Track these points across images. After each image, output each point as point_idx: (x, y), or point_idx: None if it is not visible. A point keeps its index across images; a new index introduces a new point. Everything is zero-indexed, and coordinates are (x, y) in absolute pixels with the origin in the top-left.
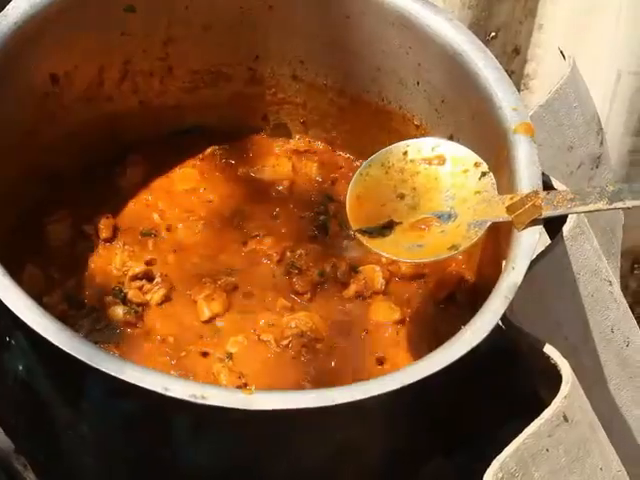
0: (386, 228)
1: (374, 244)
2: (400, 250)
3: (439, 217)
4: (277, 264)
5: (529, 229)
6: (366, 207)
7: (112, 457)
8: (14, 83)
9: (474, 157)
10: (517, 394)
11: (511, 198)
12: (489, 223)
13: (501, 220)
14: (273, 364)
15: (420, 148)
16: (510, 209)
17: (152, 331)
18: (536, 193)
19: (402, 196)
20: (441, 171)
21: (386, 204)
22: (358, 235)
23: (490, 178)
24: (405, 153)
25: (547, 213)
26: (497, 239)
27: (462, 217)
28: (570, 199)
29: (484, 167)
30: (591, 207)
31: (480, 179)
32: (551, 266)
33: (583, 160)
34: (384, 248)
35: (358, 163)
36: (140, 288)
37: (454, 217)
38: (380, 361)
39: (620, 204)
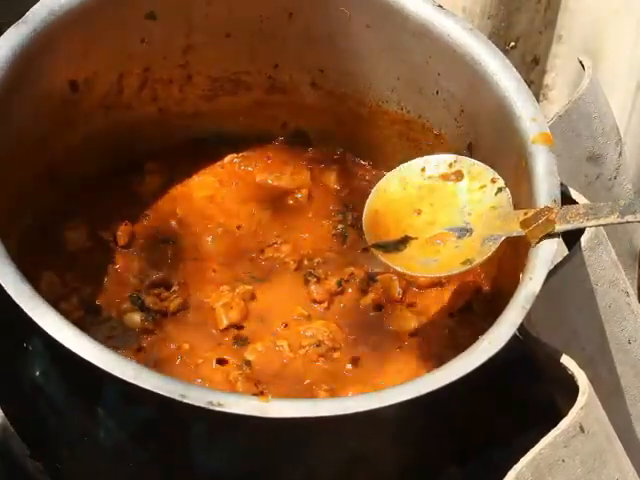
0: (402, 243)
1: (389, 259)
2: (415, 265)
3: (455, 232)
4: (295, 272)
5: (547, 240)
6: (383, 222)
7: (128, 463)
8: (33, 89)
9: (491, 173)
10: (534, 404)
11: (525, 213)
12: (503, 238)
13: (515, 235)
14: (290, 372)
15: (438, 164)
16: (524, 224)
17: (169, 338)
18: (549, 209)
19: (419, 212)
20: (458, 187)
21: (403, 220)
22: (374, 250)
23: (506, 194)
24: (423, 169)
25: (560, 228)
26: (515, 250)
27: (477, 232)
28: (583, 214)
29: (500, 183)
30: (602, 221)
31: (496, 194)
32: (569, 277)
33: (602, 171)
34: (399, 263)
35: (377, 172)
36: (158, 295)
37: (470, 232)
38: (397, 370)
39: (631, 217)
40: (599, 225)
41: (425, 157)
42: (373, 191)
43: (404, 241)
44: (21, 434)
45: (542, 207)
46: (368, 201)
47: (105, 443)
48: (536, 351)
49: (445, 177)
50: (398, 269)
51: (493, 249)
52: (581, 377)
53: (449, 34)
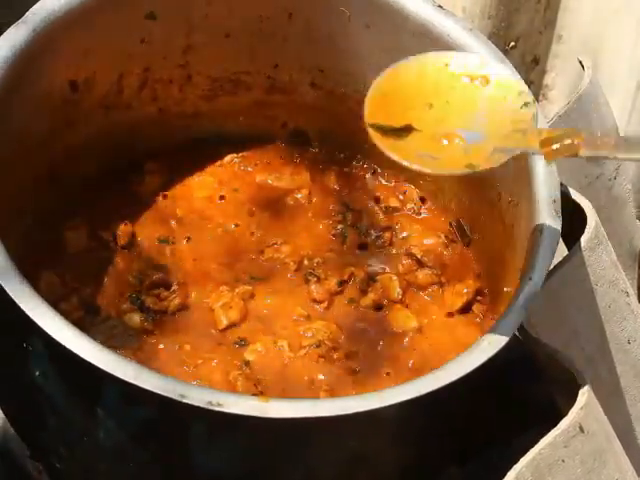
0: (403, 131)
1: (385, 143)
2: (412, 156)
3: (464, 135)
4: (295, 272)
5: (546, 242)
6: (390, 106)
7: (128, 463)
8: (33, 89)
9: (520, 86)
10: (534, 404)
11: (549, 132)
12: (517, 152)
13: (531, 151)
14: (290, 372)
15: (466, 63)
16: (544, 143)
17: (169, 338)
18: (577, 132)
19: (431, 106)
20: (481, 92)
21: (412, 109)
22: (370, 130)
23: (532, 109)
24: (447, 65)
25: (586, 153)
26: (515, 249)
27: (489, 140)
28: (614, 144)
29: (528, 97)
30: (636, 156)
31: (521, 108)
32: (568, 277)
33: (602, 171)
34: (394, 150)
35: (377, 173)
36: (157, 296)
37: (481, 139)
38: (397, 370)
39: None
40: (630, 159)
41: (452, 52)
42: (387, 70)
43: (406, 130)
44: (21, 434)
45: (568, 129)
46: (378, 79)
47: (105, 443)
48: (536, 351)
49: (470, 78)
50: (392, 156)
51: (502, 160)
52: (581, 377)
53: (449, 34)
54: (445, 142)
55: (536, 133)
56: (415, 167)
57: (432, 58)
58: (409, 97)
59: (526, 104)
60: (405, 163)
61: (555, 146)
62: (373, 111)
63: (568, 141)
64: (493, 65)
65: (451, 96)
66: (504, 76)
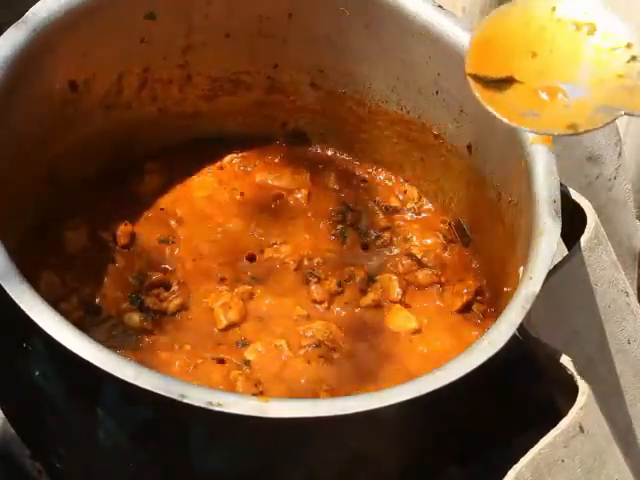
0: (505, 82)
1: (485, 96)
2: (512, 112)
3: (568, 89)
4: (294, 272)
5: (546, 242)
6: (491, 54)
7: (128, 463)
8: (33, 89)
9: (629, 36)
10: (533, 404)
11: None
12: (622, 112)
13: (637, 114)
14: (290, 372)
15: (572, 8)
16: None
17: (169, 338)
18: None
19: (534, 55)
20: (587, 41)
21: (514, 58)
22: (470, 80)
23: (639, 64)
24: (554, 9)
25: None
26: (515, 249)
27: (593, 96)
28: None
29: (636, 50)
30: None
31: (628, 62)
32: (568, 277)
33: (602, 171)
34: (495, 104)
35: (377, 173)
36: (157, 295)
37: (584, 94)
38: (396, 370)
39: None
40: None
41: None
42: (492, 14)
43: (508, 81)
44: (21, 434)
45: None
46: (483, 23)
47: (105, 443)
48: (536, 351)
49: (576, 25)
50: (492, 111)
51: (606, 121)
52: (581, 377)
53: (449, 34)
54: (546, 97)
55: None
56: (515, 125)
57: (539, 1)
58: (512, 44)
59: (634, 57)
60: (505, 121)
61: None
62: (474, 60)
63: None
64: (602, 12)
65: (555, 44)
66: (613, 25)
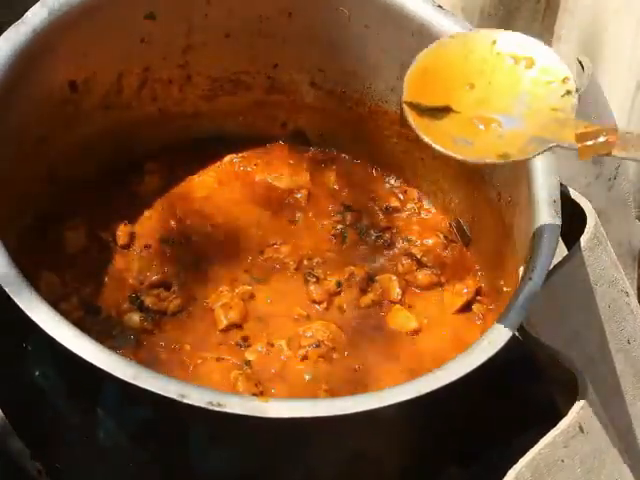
0: (440, 112)
1: (420, 123)
2: (446, 140)
3: (502, 120)
4: (294, 272)
5: (546, 242)
6: (429, 84)
7: (128, 463)
8: (33, 89)
9: (565, 71)
10: (533, 404)
11: (585, 127)
12: (553, 144)
13: (566, 146)
14: (290, 372)
15: (512, 42)
16: (580, 138)
17: (169, 339)
18: (613, 130)
19: (472, 86)
20: (525, 74)
21: (452, 89)
22: (406, 108)
23: (573, 98)
24: (494, 42)
25: (618, 154)
26: (515, 249)
27: (527, 128)
28: None
29: (571, 85)
30: None
31: (562, 97)
32: (568, 277)
33: (602, 171)
34: (428, 132)
35: (377, 173)
36: (157, 296)
37: (518, 125)
38: (396, 370)
39: None
40: None
41: (500, 30)
42: (431, 46)
43: (443, 111)
44: (21, 434)
45: (606, 126)
46: (421, 54)
47: (105, 443)
48: (536, 351)
49: (515, 59)
50: (425, 139)
51: (537, 152)
52: (581, 377)
53: (449, 34)
54: (481, 127)
55: (573, 126)
56: (447, 153)
57: (480, 35)
58: (451, 76)
59: (568, 92)
60: (437, 147)
61: (589, 142)
62: (412, 88)
63: (602, 139)
64: (541, 47)
65: (494, 77)
66: (550, 60)
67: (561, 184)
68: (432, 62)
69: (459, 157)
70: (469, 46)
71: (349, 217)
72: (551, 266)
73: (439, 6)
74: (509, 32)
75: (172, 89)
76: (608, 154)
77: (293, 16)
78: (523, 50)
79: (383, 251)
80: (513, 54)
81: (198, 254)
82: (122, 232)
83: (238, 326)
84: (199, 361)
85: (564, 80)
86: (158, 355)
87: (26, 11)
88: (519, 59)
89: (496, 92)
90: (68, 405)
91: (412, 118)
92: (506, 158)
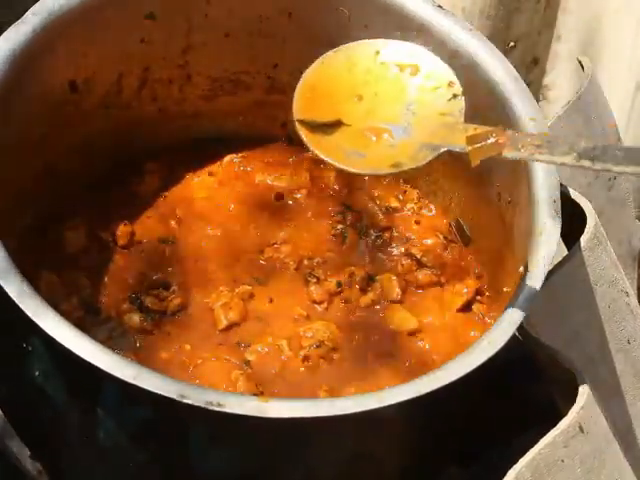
0: (331, 127)
1: (312, 139)
2: (339, 154)
3: (392, 130)
4: (294, 273)
5: (546, 242)
6: (318, 100)
7: (128, 463)
8: (33, 89)
9: (450, 76)
10: (533, 404)
11: (475, 129)
12: (443, 149)
13: (457, 150)
14: (290, 372)
15: (396, 51)
16: (470, 140)
17: (169, 339)
18: (501, 131)
19: (360, 98)
20: (410, 82)
21: (340, 103)
22: (298, 126)
23: (460, 102)
24: (377, 52)
25: (508, 154)
26: (515, 249)
27: (417, 136)
28: (537, 145)
29: (457, 89)
30: (557, 159)
31: (449, 100)
32: (568, 277)
33: None
34: (321, 147)
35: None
36: (157, 296)
37: (408, 134)
38: (396, 370)
39: (588, 163)
40: (551, 162)
41: (382, 40)
42: (316, 62)
43: (335, 125)
44: (21, 434)
45: (495, 127)
46: (308, 70)
47: (105, 443)
48: (536, 351)
49: (400, 67)
50: (318, 154)
51: (428, 158)
52: (581, 377)
53: (449, 34)
54: (373, 138)
55: (463, 129)
56: (340, 166)
57: (363, 46)
58: (338, 90)
59: (455, 96)
60: (329, 160)
61: (479, 145)
62: (301, 106)
63: (492, 140)
64: (424, 54)
65: (380, 87)
66: (435, 65)
67: (561, 184)
68: (319, 77)
69: (352, 170)
70: (353, 59)
71: (349, 217)
72: (551, 266)
73: (439, 6)
74: (392, 41)
75: (172, 89)
76: (499, 155)
77: (293, 16)
78: (407, 58)
79: (383, 251)
80: (397, 62)
81: (198, 254)
82: (122, 232)
83: (238, 326)
84: (199, 361)
85: (450, 84)
86: (158, 355)
87: (26, 11)
88: (404, 67)
89: (383, 102)
90: (68, 405)
91: (304, 135)
92: (398, 167)
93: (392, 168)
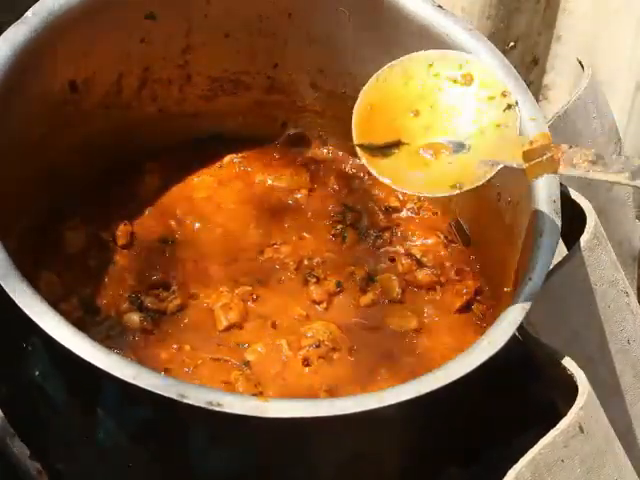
0: (390, 147)
1: (374, 165)
2: (401, 177)
3: (451, 145)
4: (294, 273)
5: (546, 242)
6: (376, 119)
7: (128, 463)
8: (33, 89)
9: (503, 85)
10: (533, 404)
11: (531, 143)
12: (501, 166)
13: (515, 166)
14: (290, 372)
15: (448, 62)
16: (527, 155)
17: (168, 339)
18: (557, 146)
19: (417, 113)
20: (465, 92)
21: (398, 119)
22: (359, 150)
23: (515, 112)
24: (431, 65)
25: (564, 171)
26: (515, 249)
27: (475, 151)
28: (591, 161)
29: (512, 99)
30: (611, 177)
31: (505, 111)
32: (568, 277)
33: None
34: (382, 170)
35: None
36: (157, 296)
37: (467, 149)
38: (396, 370)
39: None
40: (605, 180)
41: (434, 51)
42: (371, 80)
43: (394, 146)
44: (21, 434)
45: (548, 141)
46: (364, 90)
47: (105, 443)
48: (536, 351)
49: (453, 79)
50: (380, 178)
51: (488, 176)
52: (581, 377)
53: (449, 34)
54: (431, 157)
55: (519, 143)
56: (402, 190)
57: (416, 59)
58: (394, 106)
59: (509, 106)
60: (393, 186)
61: (535, 161)
62: (361, 130)
63: (548, 155)
64: (477, 63)
65: (435, 100)
66: (488, 74)
67: (561, 184)
68: (375, 96)
69: (414, 193)
70: (408, 72)
71: (349, 217)
72: (551, 266)
73: (439, 6)
74: (443, 51)
75: (172, 89)
76: (554, 172)
77: (293, 16)
78: (460, 69)
79: (383, 251)
80: (451, 74)
81: (198, 254)
82: (122, 232)
83: (238, 326)
84: (199, 361)
85: (503, 93)
86: (158, 355)
87: (26, 11)
88: (457, 77)
89: (439, 115)
90: (68, 405)
91: (366, 160)
92: (459, 189)
93: (452, 189)
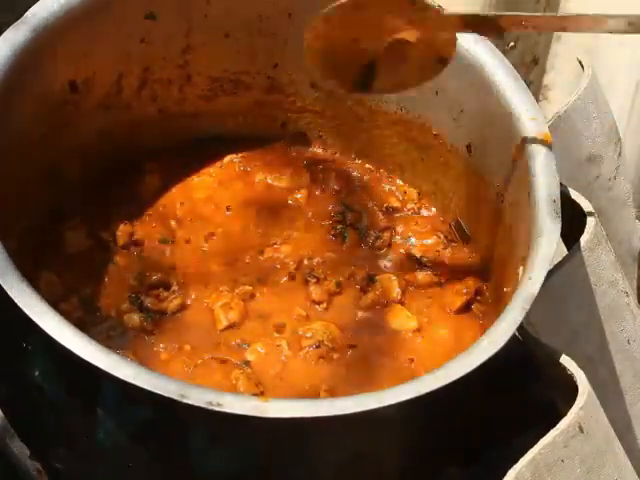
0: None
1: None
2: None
3: None
4: (295, 272)
5: (546, 242)
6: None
7: (128, 463)
8: (33, 89)
9: None
10: (533, 404)
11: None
12: None
13: None
14: (290, 372)
15: None
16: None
17: (169, 339)
18: None
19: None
20: None
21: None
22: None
23: None
24: None
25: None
26: (515, 249)
27: None
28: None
29: None
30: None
31: None
32: (568, 277)
33: (601, 171)
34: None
35: (377, 173)
36: (157, 296)
37: None
38: (396, 370)
39: None
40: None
41: None
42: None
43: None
44: (21, 434)
45: None
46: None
47: (105, 443)
48: (536, 351)
49: None
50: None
51: None
52: (580, 377)
53: None
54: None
55: None
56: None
57: None
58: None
59: None
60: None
61: None
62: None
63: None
64: None
65: None
66: None
67: (561, 184)
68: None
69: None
70: None
71: (349, 217)
72: (551, 266)
73: (439, 6)
74: None
75: (172, 89)
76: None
77: (293, 16)
78: None
79: (383, 251)
80: None
81: (198, 254)
82: (122, 232)
83: (238, 326)
84: (199, 361)
85: None
86: (158, 355)
87: (26, 11)
88: None
89: None
90: (68, 405)
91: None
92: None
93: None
